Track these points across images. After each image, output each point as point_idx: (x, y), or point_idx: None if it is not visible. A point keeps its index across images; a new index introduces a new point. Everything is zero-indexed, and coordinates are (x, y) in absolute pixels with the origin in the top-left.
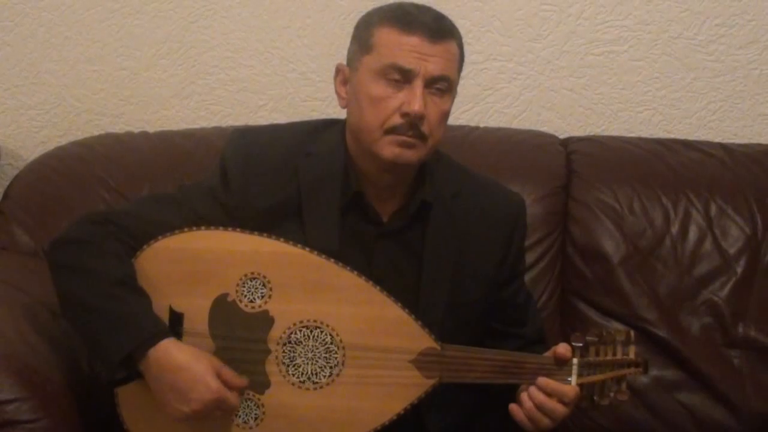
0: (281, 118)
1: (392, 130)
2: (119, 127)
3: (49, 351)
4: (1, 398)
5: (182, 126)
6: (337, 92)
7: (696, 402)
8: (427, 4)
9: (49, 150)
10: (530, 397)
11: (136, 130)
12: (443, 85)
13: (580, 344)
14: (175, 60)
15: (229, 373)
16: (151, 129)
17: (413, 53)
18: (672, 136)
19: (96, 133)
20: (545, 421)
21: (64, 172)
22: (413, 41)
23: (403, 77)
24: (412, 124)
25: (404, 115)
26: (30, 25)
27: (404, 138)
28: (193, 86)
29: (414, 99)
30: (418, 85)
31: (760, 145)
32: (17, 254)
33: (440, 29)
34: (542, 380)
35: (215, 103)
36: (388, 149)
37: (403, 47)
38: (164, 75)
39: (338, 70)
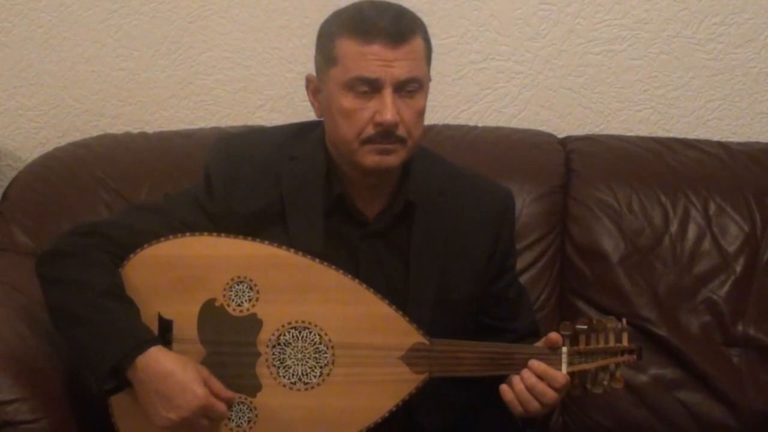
0: (280, 119)
1: (369, 140)
2: (118, 128)
3: (48, 352)
4: (0, 399)
5: (181, 126)
6: (311, 102)
7: (695, 400)
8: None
9: (48, 151)
10: (521, 379)
11: (134, 131)
12: (413, 86)
13: (569, 333)
14: (173, 60)
15: (216, 384)
16: (149, 129)
17: (376, 62)
18: (670, 134)
19: (95, 133)
20: (534, 404)
21: (63, 172)
22: (374, 49)
23: (371, 87)
24: (388, 132)
25: (378, 125)
26: (28, 26)
27: (382, 146)
28: (191, 87)
29: (385, 108)
30: (387, 93)
31: (758, 143)
32: (16, 255)
33: (400, 31)
34: (534, 362)
35: (214, 103)
36: (368, 158)
37: (365, 57)
38: (163, 75)
39: (308, 81)
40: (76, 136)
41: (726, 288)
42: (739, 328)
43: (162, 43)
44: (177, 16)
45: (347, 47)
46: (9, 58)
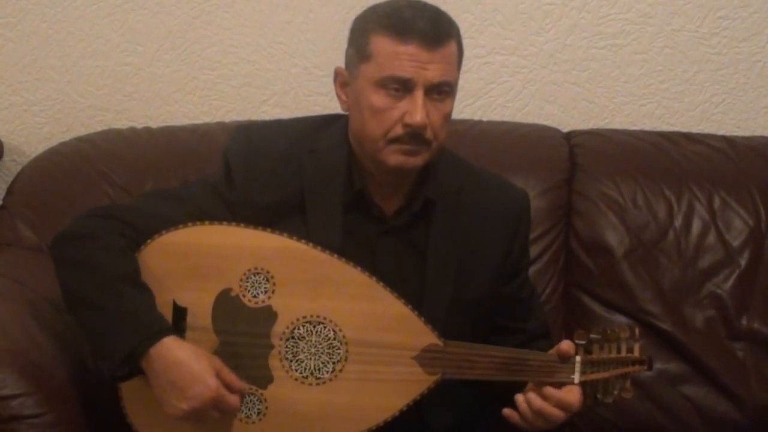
0: (284, 113)
1: (396, 140)
2: (122, 123)
3: (53, 346)
4: (5, 393)
5: (185, 121)
6: (337, 95)
7: (700, 395)
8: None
9: (53, 146)
10: (526, 400)
11: (139, 126)
12: (445, 89)
13: (584, 342)
14: (177, 55)
15: (228, 375)
16: (154, 124)
17: (411, 62)
18: (675, 128)
19: (99, 128)
20: (542, 424)
21: (68, 167)
22: (410, 50)
23: (403, 87)
24: (415, 134)
25: (406, 125)
26: (33, 21)
27: (408, 147)
28: (195, 82)
29: (415, 110)
30: (418, 94)
31: (763, 137)
32: (21, 250)
33: (437, 34)
34: (547, 390)
35: (218, 98)
36: (393, 157)
37: (400, 57)
38: (167, 70)
39: (337, 74)
40: (80, 131)
41: (730, 282)
42: (744, 322)
43: (166, 38)
44: (181, 11)
45: (382, 45)
46: (13, 53)
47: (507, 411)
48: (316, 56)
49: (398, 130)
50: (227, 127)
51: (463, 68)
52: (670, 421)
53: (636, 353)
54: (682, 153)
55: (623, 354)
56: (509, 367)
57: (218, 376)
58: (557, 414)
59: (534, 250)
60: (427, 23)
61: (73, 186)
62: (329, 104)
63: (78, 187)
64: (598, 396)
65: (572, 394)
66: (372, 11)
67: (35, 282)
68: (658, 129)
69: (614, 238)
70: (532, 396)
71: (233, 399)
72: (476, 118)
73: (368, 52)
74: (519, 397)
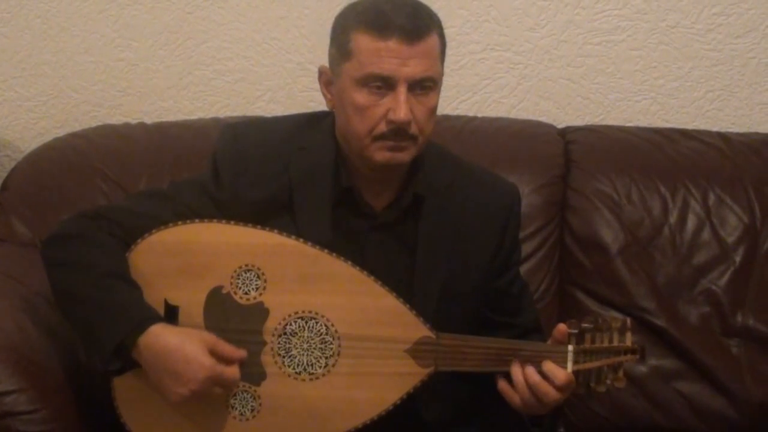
0: (279, 109)
1: (381, 137)
2: (117, 119)
3: (47, 342)
4: None
5: (180, 117)
6: (323, 94)
7: (694, 391)
8: None
9: (47, 141)
10: (524, 376)
11: (133, 122)
12: (428, 84)
13: (576, 331)
14: (172, 51)
15: (225, 347)
16: (148, 120)
17: (392, 59)
18: (670, 125)
19: (93, 124)
20: (534, 403)
21: (62, 163)
22: (390, 46)
23: (385, 84)
24: (400, 130)
25: (390, 122)
26: (27, 16)
27: (394, 143)
28: (190, 77)
29: (398, 106)
30: (401, 91)
31: (758, 134)
32: (16, 246)
33: (417, 28)
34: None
35: (213, 94)
36: (379, 154)
37: (380, 54)
38: (161, 66)
39: (321, 72)
40: (74, 127)
41: (725, 278)
42: (738, 318)
43: (161, 34)
44: (175, 6)
45: (362, 42)
46: (7, 48)
47: (503, 384)
48: (310, 52)
49: (382, 127)
50: (221, 122)
51: (458, 64)
52: (664, 417)
53: (628, 343)
54: (677, 149)
55: (615, 343)
56: (503, 358)
57: (213, 351)
58: (551, 392)
59: (528, 247)
60: (407, 18)
61: (68, 182)
62: (323, 100)
63: (72, 182)
64: (591, 385)
65: (564, 373)
66: (352, 8)
67: (29, 278)
68: (653, 125)
69: (609, 234)
70: (530, 370)
71: (231, 371)
72: (471, 114)
73: (349, 50)
74: (516, 369)
